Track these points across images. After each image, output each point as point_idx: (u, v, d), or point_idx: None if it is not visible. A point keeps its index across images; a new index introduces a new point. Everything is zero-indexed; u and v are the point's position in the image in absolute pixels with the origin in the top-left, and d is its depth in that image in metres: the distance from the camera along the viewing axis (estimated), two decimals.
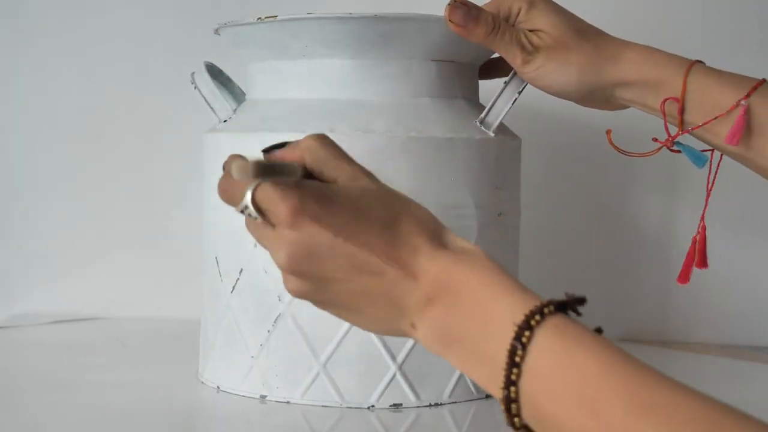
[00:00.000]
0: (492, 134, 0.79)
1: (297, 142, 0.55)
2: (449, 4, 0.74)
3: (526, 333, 0.45)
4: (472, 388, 0.78)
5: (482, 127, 0.79)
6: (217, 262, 0.81)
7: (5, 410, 0.76)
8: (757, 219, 1.10)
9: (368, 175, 0.54)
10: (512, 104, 0.79)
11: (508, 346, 0.45)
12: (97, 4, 1.16)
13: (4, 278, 1.16)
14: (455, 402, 0.77)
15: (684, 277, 0.80)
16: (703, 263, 0.80)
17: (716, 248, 0.83)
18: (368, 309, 0.52)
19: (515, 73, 0.79)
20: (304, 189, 0.50)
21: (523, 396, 0.45)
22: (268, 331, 0.76)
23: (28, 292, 1.16)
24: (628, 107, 0.78)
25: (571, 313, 0.47)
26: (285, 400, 0.76)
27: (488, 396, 0.80)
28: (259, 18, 0.76)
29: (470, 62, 0.83)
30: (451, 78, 0.80)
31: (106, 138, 1.17)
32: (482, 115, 0.79)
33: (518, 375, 0.45)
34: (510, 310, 0.46)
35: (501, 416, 0.77)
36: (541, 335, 0.45)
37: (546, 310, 0.46)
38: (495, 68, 0.86)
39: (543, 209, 1.10)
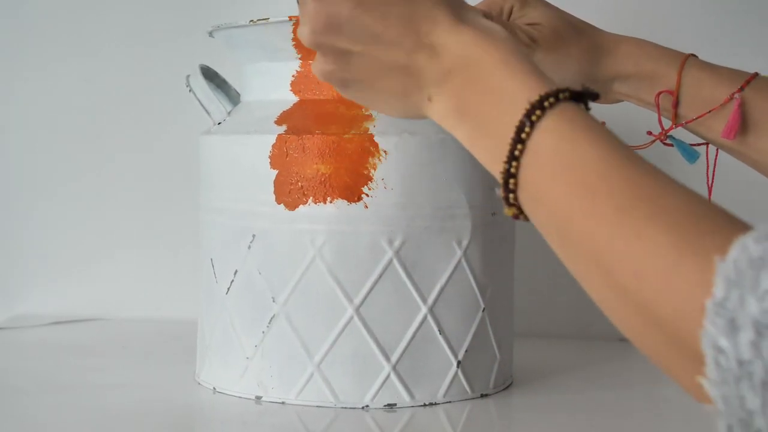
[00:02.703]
0: None
1: None
2: None
3: (537, 112, 0.47)
4: (467, 388, 0.79)
5: None
6: (213, 264, 0.81)
7: (5, 411, 0.76)
8: (758, 213, 1.09)
9: None
10: None
11: (517, 123, 0.47)
12: (95, 6, 1.17)
13: (4, 279, 1.17)
14: (450, 402, 0.78)
15: None
16: None
17: None
18: (387, 83, 0.54)
19: None
20: None
21: (523, 172, 0.47)
22: (263, 332, 0.77)
23: (28, 292, 1.16)
24: (623, 101, 0.78)
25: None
26: (280, 401, 0.77)
27: (483, 395, 0.80)
28: (252, 20, 0.76)
29: None
30: None
31: (105, 139, 1.17)
32: None
33: (522, 151, 0.47)
34: (526, 89, 0.48)
35: (495, 415, 0.78)
36: (550, 117, 0.47)
37: (561, 95, 0.48)
38: None
39: None
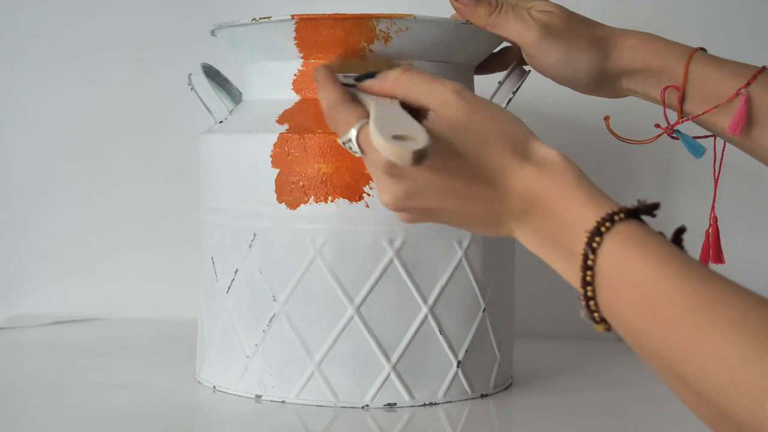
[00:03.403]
0: None
1: (385, 74, 0.62)
2: None
3: (597, 239, 0.50)
4: (467, 388, 0.78)
5: None
6: (213, 263, 0.81)
7: (5, 411, 0.76)
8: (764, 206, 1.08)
9: (458, 93, 0.58)
10: (507, 104, 0.79)
11: (582, 251, 0.51)
12: (96, 5, 1.17)
13: (4, 279, 1.17)
14: (450, 401, 0.78)
15: None
16: (718, 258, 0.79)
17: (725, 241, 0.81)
18: (471, 222, 0.59)
19: (511, 70, 0.79)
20: None
21: (599, 295, 0.51)
22: (263, 331, 0.77)
23: (28, 292, 1.16)
24: (628, 95, 0.78)
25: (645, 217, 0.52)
26: (280, 400, 0.77)
27: (483, 395, 0.80)
28: (254, 19, 0.76)
29: (466, 63, 0.83)
30: (447, 78, 0.80)
31: (105, 139, 1.17)
32: None
33: (592, 276, 0.51)
34: (583, 219, 0.52)
35: (495, 415, 0.78)
36: (609, 241, 0.50)
37: (616, 218, 0.51)
38: (492, 65, 0.86)
39: None
